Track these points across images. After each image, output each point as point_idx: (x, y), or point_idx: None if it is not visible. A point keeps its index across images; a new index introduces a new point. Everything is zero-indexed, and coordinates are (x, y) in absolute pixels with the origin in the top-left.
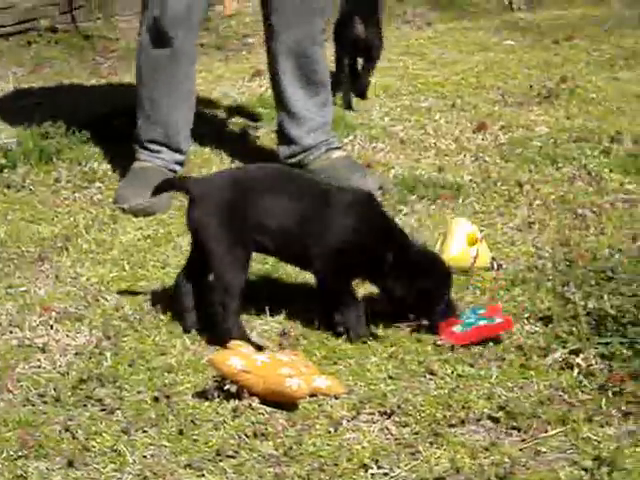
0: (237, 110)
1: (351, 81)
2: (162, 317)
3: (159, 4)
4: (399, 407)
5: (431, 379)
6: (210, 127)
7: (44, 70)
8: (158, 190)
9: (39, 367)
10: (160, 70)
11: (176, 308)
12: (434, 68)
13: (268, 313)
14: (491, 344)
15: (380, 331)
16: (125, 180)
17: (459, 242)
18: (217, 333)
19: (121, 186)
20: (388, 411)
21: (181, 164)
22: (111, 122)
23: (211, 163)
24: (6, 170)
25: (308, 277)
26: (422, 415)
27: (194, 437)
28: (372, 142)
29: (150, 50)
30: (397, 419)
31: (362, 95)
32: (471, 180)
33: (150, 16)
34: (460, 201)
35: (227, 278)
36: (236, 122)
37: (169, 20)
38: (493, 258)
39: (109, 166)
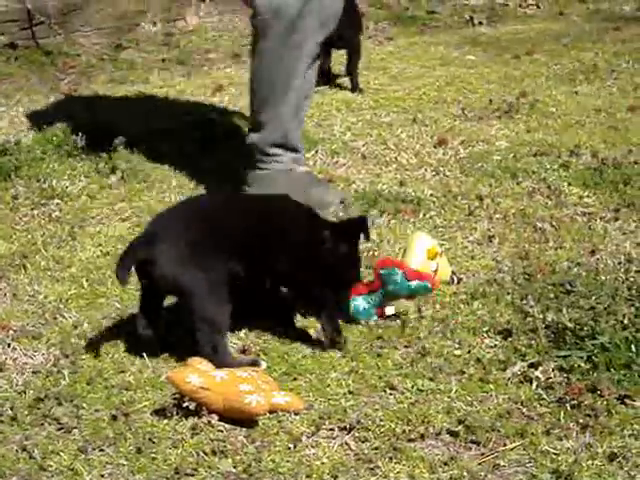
0: (197, 125)
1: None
2: (121, 334)
3: None
4: (359, 422)
5: (391, 394)
6: (171, 143)
7: (3, 86)
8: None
9: None
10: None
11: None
12: (395, 83)
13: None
14: (451, 357)
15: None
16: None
17: (419, 256)
18: None
19: None
20: (348, 426)
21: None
22: (70, 138)
23: (171, 179)
24: None
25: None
26: (382, 430)
27: (152, 455)
28: (334, 157)
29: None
30: (357, 434)
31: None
32: (432, 194)
33: None
34: (421, 215)
35: (215, 318)
36: (197, 137)
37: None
38: (453, 272)
39: (68, 182)
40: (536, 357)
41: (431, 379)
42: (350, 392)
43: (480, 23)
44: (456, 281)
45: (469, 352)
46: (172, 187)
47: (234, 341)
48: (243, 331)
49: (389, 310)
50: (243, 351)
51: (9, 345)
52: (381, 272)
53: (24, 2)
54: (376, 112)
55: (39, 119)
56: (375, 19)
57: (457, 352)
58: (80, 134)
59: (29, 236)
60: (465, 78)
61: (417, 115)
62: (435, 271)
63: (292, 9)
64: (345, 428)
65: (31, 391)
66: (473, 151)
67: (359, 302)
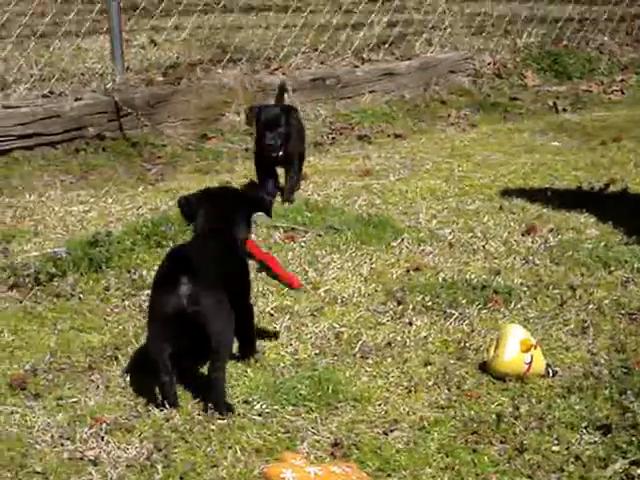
0: (283, 213)
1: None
2: (212, 427)
3: None
4: None
5: None
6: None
7: (91, 177)
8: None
9: None
10: None
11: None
12: (480, 170)
13: (320, 422)
14: (549, 453)
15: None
16: None
17: (513, 348)
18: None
19: None
20: None
21: None
22: (158, 228)
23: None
24: (56, 279)
25: (360, 387)
26: None
27: None
28: (420, 245)
29: None
30: None
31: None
32: (522, 284)
33: None
34: (512, 305)
35: (229, 345)
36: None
37: None
38: (548, 364)
39: None
40: (638, 454)
41: (530, 477)
42: None
43: (564, 110)
44: (551, 374)
45: (568, 448)
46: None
47: (326, 435)
48: (334, 424)
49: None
50: (335, 444)
51: (102, 438)
52: None
53: (112, 95)
54: (461, 200)
55: (127, 210)
56: (457, 106)
57: (555, 448)
58: (168, 224)
59: (120, 327)
60: (551, 165)
61: (504, 203)
62: (529, 364)
63: None
64: None
65: None
66: (562, 239)
67: None
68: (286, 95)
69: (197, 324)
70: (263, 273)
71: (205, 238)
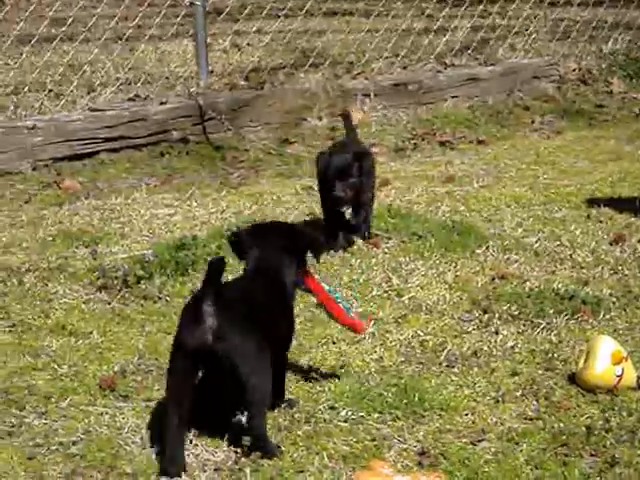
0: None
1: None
2: (299, 433)
3: None
4: None
5: None
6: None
7: (175, 181)
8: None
9: None
10: None
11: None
12: (566, 177)
13: (406, 431)
14: None
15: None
16: None
17: (604, 360)
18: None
19: None
20: None
21: None
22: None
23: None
24: (143, 281)
25: (446, 396)
26: None
27: None
28: (505, 253)
29: None
30: None
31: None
32: (611, 294)
33: None
34: (600, 316)
35: (265, 392)
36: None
37: None
38: (639, 377)
39: None
40: None
41: None
42: None
43: None
44: None
45: None
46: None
47: (413, 443)
48: (421, 433)
49: None
50: (422, 453)
51: (191, 441)
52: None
53: (196, 99)
54: (547, 208)
55: (211, 214)
56: (541, 113)
57: None
58: None
59: None
60: (639, 174)
61: (591, 211)
62: (620, 376)
63: None
64: None
65: None
66: None
67: None
68: (359, 113)
69: (223, 363)
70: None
71: (250, 279)
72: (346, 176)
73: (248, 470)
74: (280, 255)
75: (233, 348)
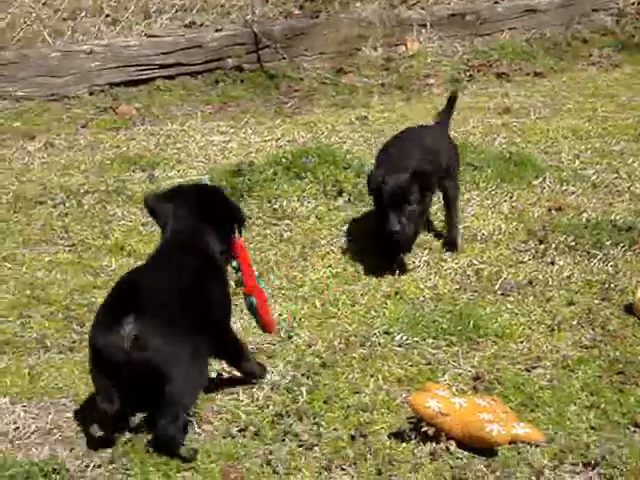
0: None
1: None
2: (354, 355)
3: None
4: (603, 458)
5: (635, 431)
6: None
7: (230, 109)
8: None
9: (238, 400)
10: None
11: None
12: (624, 111)
13: (461, 356)
14: None
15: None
16: None
17: None
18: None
19: None
20: (592, 462)
21: None
22: (298, 160)
23: None
24: None
25: (501, 324)
26: (628, 468)
27: (393, 478)
28: (562, 185)
29: None
30: (602, 471)
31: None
32: None
33: None
34: None
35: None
36: None
37: None
38: None
39: (297, 204)
40: None
41: None
42: (592, 427)
43: None
44: None
45: None
46: None
47: (468, 369)
48: (476, 359)
49: None
50: (476, 378)
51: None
52: None
53: (251, 26)
54: (605, 140)
55: (266, 141)
56: (599, 45)
57: None
58: (308, 156)
59: (262, 255)
60: None
61: None
62: None
63: None
64: (589, 464)
65: (271, 407)
66: None
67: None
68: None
69: (146, 373)
70: None
71: (171, 255)
72: (402, 203)
73: (304, 389)
74: (201, 225)
75: (155, 358)
